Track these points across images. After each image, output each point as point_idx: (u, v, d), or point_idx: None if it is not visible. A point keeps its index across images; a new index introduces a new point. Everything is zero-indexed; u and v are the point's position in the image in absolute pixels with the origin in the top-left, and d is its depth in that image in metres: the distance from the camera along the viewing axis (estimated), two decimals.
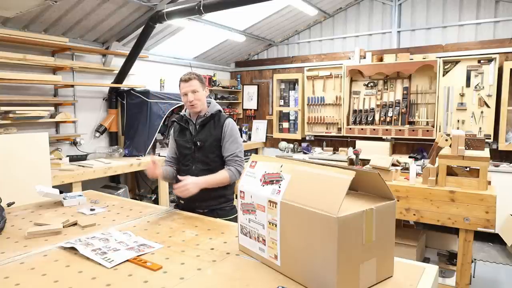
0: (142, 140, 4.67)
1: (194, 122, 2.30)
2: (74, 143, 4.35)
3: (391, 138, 5.34)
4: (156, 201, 4.68)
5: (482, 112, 4.73)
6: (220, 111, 2.34)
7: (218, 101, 6.33)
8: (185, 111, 2.38)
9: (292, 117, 6.34)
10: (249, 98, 6.96)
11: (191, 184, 1.99)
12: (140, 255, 1.46)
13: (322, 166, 1.26)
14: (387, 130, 5.27)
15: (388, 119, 5.38)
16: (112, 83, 4.70)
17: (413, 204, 2.91)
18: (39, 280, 1.29)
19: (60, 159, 3.91)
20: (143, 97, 4.67)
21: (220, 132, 2.25)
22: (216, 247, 1.57)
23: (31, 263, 1.43)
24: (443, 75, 4.89)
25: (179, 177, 2.06)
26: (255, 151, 6.72)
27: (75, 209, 2.17)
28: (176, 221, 1.96)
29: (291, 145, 6.12)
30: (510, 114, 4.56)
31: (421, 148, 5.26)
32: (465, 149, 2.82)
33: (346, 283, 1.11)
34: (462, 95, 4.82)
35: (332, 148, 6.01)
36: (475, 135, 3.08)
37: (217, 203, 2.24)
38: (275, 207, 1.28)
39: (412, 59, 5.04)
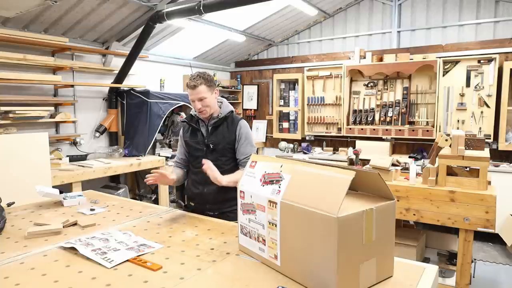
0: (142, 140, 4.67)
1: (206, 124, 2.24)
2: (74, 143, 4.35)
3: (391, 138, 5.34)
4: (156, 201, 4.67)
5: (482, 112, 4.73)
6: (232, 111, 2.28)
7: None
8: (195, 111, 2.28)
9: (292, 117, 6.34)
10: (249, 98, 6.96)
11: (219, 178, 1.97)
12: (140, 255, 1.46)
13: (322, 166, 1.26)
14: (387, 130, 5.27)
15: (388, 119, 5.38)
16: (112, 83, 4.70)
17: (413, 204, 2.91)
18: (39, 280, 1.29)
19: (60, 159, 3.91)
20: (143, 97, 4.67)
21: (234, 135, 2.20)
22: (216, 247, 1.57)
23: (31, 263, 1.43)
24: (443, 75, 4.89)
25: (205, 160, 2.01)
26: (255, 151, 6.71)
27: (75, 209, 2.17)
28: (176, 221, 1.96)
29: (291, 145, 6.12)
30: (510, 114, 4.55)
31: (421, 148, 5.26)
32: (465, 149, 2.81)
33: (346, 283, 1.11)
34: (462, 95, 4.82)
35: (332, 148, 6.01)
36: (475, 135, 3.07)
37: (228, 206, 2.18)
38: (275, 207, 1.28)
39: (412, 59, 5.04)
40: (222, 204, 2.18)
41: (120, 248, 1.51)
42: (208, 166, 1.98)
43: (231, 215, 2.16)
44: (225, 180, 1.99)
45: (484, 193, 2.67)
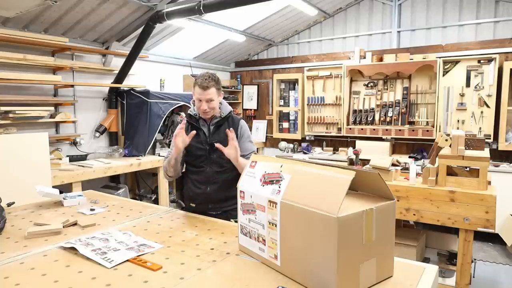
0: (142, 140, 4.67)
1: (208, 123, 2.27)
2: (74, 143, 4.35)
3: (391, 138, 5.34)
4: (156, 201, 4.68)
5: (482, 112, 4.73)
6: (231, 111, 2.34)
7: None
8: (195, 110, 2.30)
9: (292, 117, 6.34)
10: (249, 98, 6.96)
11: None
12: (140, 255, 1.46)
13: (322, 166, 1.26)
14: (387, 130, 5.27)
15: (388, 119, 5.38)
16: (112, 83, 4.70)
17: (413, 204, 2.91)
18: (39, 280, 1.29)
19: (60, 159, 3.91)
20: (143, 97, 4.67)
21: (236, 133, 2.22)
22: (216, 247, 1.57)
23: (31, 263, 1.43)
24: (443, 75, 4.89)
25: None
26: (255, 149, 6.71)
27: (75, 209, 2.17)
28: (176, 221, 1.96)
29: (291, 145, 6.12)
30: (510, 114, 4.55)
31: (421, 148, 5.26)
32: (465, 149, 2.82)
33: (346, 283, 1.11)
34: (462, 95, 4.82)
35: (332, 148, 6.01)
36: (475, 135, 3.07)
37: (229, 205, 2.22)
38: (275, 207, 1.28)
39: (412, 59, 5.04)
40: (224, 202, 2.21)
41: (120, 248, 1.51)
42: (231, 139, 2.04)
43: (233, 213, 2.18)
44: (239, 161, 2.07)
45: (484, 193, 2.67)
